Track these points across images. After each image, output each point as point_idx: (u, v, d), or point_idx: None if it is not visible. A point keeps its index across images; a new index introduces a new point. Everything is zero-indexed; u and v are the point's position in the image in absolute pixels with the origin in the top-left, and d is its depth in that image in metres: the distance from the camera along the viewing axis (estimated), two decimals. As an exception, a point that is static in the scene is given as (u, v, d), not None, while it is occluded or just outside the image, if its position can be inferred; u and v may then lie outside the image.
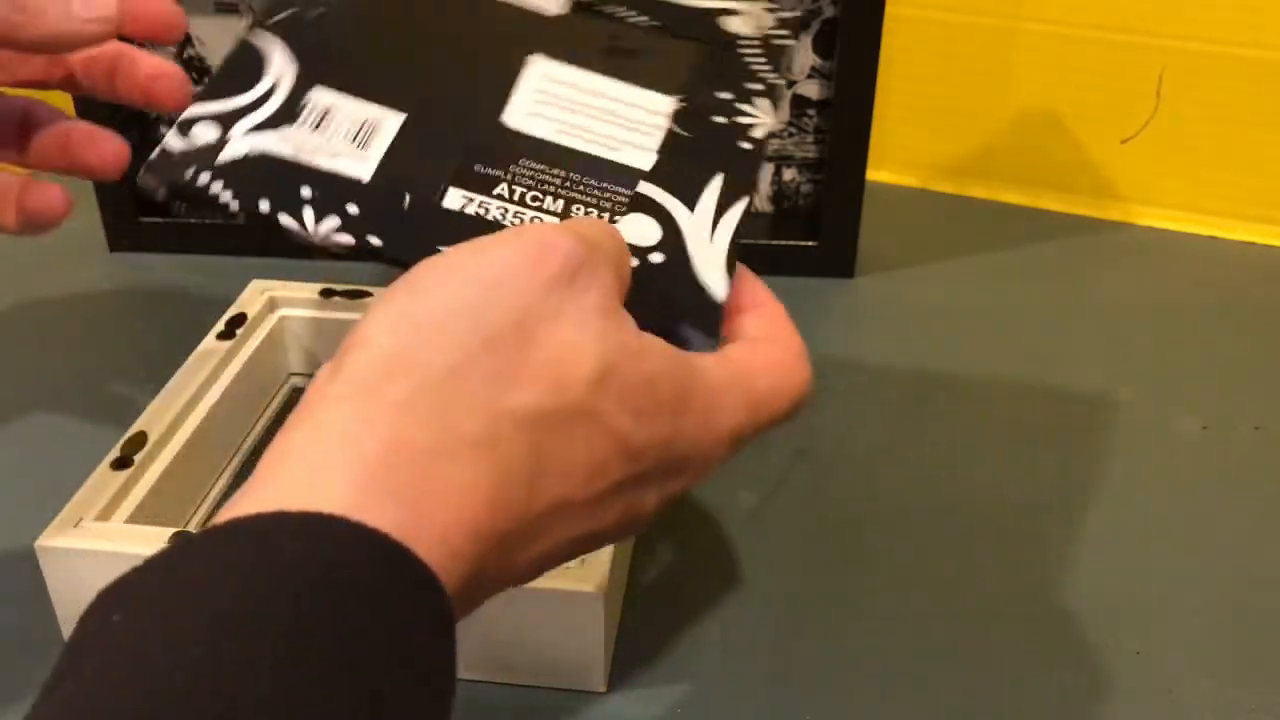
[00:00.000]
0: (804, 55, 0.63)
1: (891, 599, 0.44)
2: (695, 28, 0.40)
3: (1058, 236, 0.71)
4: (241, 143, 0.33)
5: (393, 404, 0.26)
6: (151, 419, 0.45)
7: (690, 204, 0.35)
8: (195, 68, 0.66)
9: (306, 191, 0.33)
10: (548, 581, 0.37)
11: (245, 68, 0.35)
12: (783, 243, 0.65)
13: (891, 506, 0.48)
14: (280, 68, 0.35)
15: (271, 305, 0.53)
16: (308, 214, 0.32)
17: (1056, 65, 0.70)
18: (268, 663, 0.21)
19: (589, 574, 0.38)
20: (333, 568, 0.23)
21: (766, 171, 0.67)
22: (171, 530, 0.39)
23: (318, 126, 0.34)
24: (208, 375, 0.48)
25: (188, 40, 0.65)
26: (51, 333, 0.60)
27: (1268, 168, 0.69)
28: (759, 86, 0.39)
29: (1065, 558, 0.46)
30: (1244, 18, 0.66)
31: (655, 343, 0.30)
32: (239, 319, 0.52)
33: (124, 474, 0.42)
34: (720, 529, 0.47)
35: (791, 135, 0.66)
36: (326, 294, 0.53)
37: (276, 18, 0.36)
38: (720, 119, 0.37)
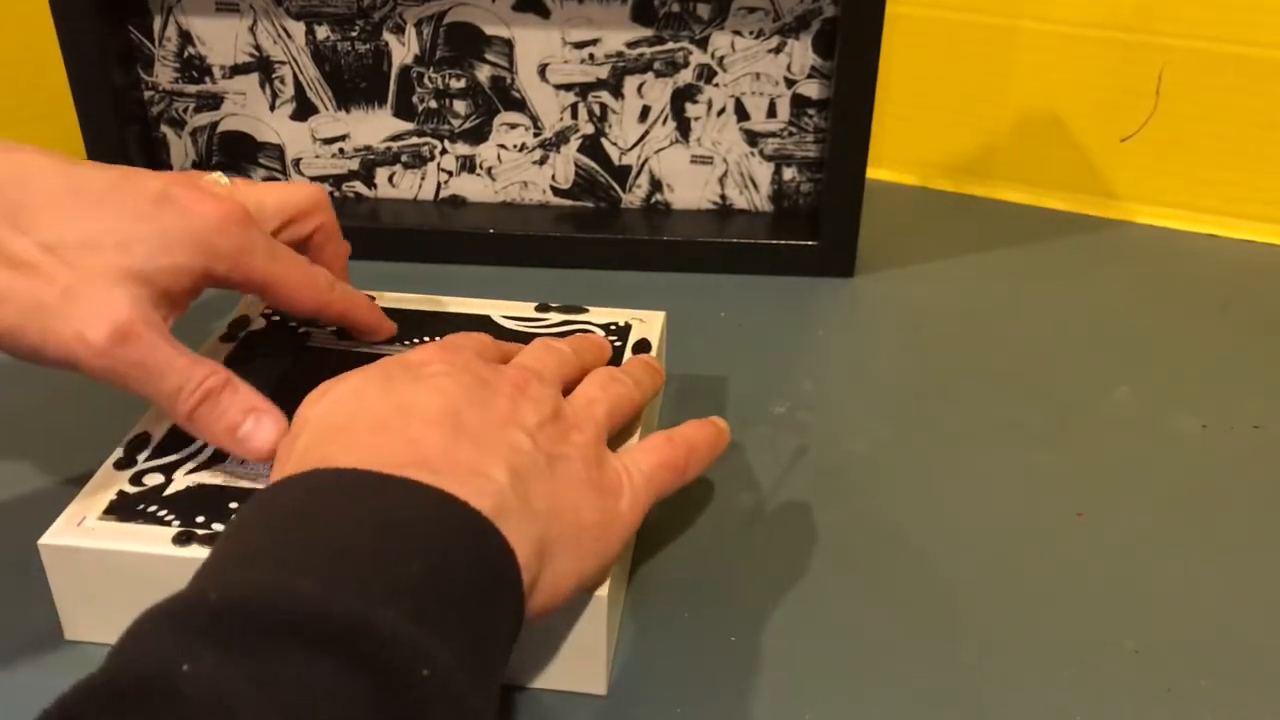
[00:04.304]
0: (804, 55, 0.64)
1: (891, 599, 0.44)
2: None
3: (1057, 235, 0.71)
4: (181, 482, 0.42)
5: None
6: (154, 420, 0.45)
7: None
8: (195, 67, 0.66)
9: (234, 505, 0.41)
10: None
11: None
12: (783, 242, 0.65)
13: (891, 506, 0.48)
14: None
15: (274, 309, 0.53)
16: None
17: (1056, 64, 0.70)
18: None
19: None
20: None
21: (766, 171, 0.67)
22: (175, 530, 0.39)
23: (243, 461, 0.42)
24: (209, 375, 0.48)
25: (188, 39, 0.65)
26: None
27: (1266, 166, 0.69)
28: None
29: (1064, 556, 0.46)
30: (1243, 17, 0.66)
31: None
32: (242, 321, 0.52)
33: (127, 474, 0.42)
34: (720, 529, 0.47)
35: (791, 135, 0.66)
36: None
37: None
38: None
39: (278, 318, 0.52)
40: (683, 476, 0.41)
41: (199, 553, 0.38)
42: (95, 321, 0.37)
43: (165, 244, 0.40)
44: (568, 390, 0.42)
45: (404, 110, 0.66)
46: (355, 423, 0.35)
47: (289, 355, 0.49)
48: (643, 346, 0.50)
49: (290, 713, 0.25)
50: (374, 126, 0.67)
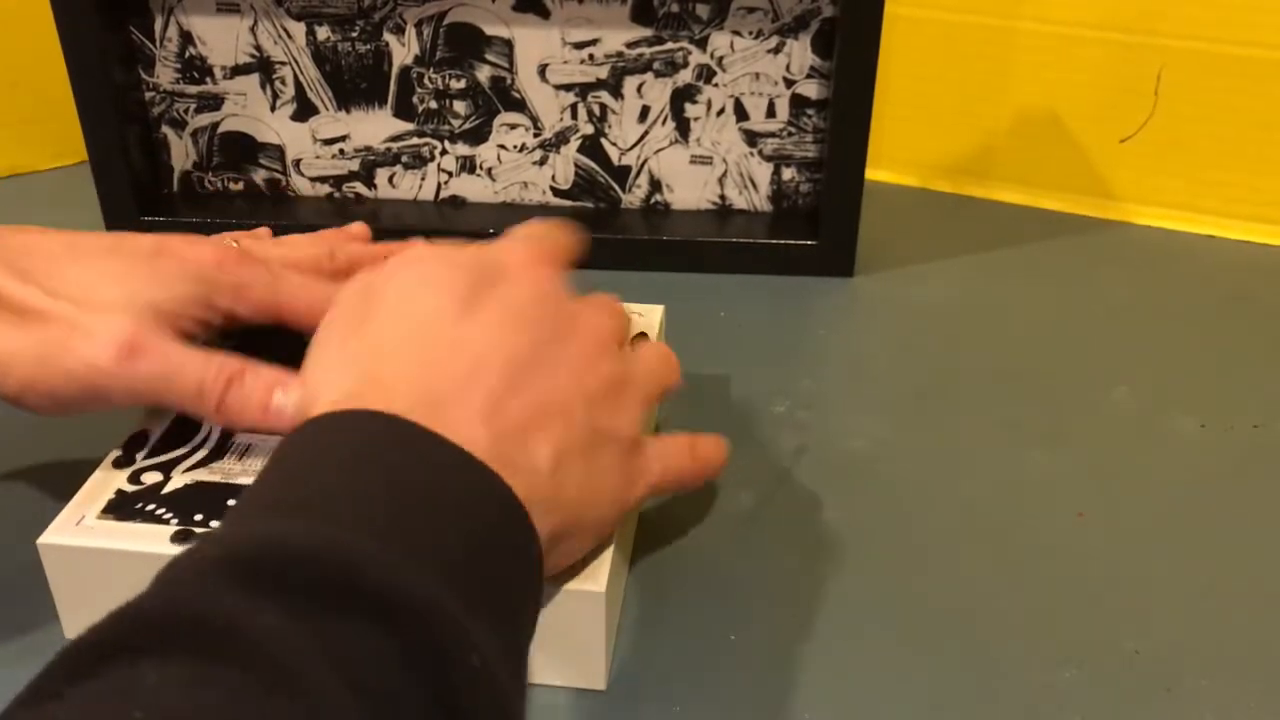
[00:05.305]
0: (803, 55, 0.64)
1: (891, 599, 0.44)
2: None
3: (1056, 236, 0.71)
4: (179, 479, 0.42)
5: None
6: (152, 418, 0.45)
7: None
8: (196, 68, 0.66)
9: (232, 501, 0.41)
10: (549, 581, 0.38)
11: (187, 427, 0.44)
12: (783, 242, 0.65)
13: (891, 506, 0.48)
14: (210, 426, 0.44)
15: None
16: None
17: (1056, 65, 0.71)
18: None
19: (591, 573, 0.38)
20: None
21: (766, 171, 0.67)
22: (173, 528, 0.39)
23: (241, 457, 0.43)
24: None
25: (188, 40, 0.65)
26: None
27: (1266, 167, 0.69)
28: None
29: (1064, 556, 0.46)
30: (1242, 17, 0.66)
31: None
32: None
33: (125, 472, 0.42)
34: (720, 529, 0.47)
35: (791, 135, 0.66)
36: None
37: None
38: None
39: None
40: (680, 489, 0.43)
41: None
42: (102, 346, 0.39)
43: (163, 281, 0.42)
44: None
45: (404, 111, 0.66)
46: (408, 346, 0.35)
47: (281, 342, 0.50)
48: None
49: (347, 676, 0.25)
50: (374, 127, 0.67)
